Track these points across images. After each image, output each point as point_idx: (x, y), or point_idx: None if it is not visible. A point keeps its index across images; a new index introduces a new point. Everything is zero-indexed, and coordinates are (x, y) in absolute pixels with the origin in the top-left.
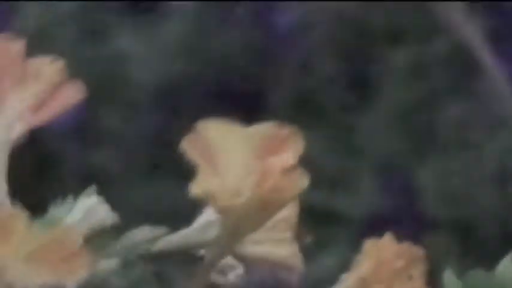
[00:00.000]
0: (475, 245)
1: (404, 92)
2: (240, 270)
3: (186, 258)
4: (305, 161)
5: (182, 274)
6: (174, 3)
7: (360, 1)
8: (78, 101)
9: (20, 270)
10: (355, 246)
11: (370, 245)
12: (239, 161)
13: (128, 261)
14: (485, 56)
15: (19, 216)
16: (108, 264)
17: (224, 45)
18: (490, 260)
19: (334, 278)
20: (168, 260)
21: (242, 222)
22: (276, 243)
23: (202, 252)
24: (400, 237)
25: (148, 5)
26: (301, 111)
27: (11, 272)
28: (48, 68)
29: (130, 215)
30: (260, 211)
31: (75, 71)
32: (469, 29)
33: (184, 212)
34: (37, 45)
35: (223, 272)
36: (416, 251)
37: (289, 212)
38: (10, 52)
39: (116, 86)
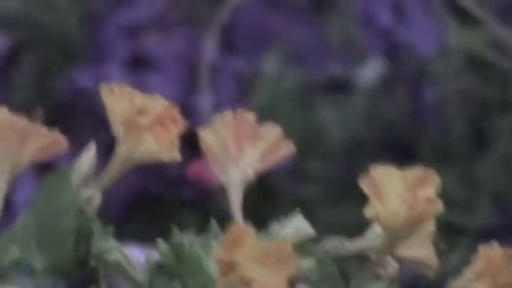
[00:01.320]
0: None
1: None
2: (395, 266)
3: (361, 259)
4: (440, 192)
5: (358, 270)
6: (359, 84)
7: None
8: (291, 153)
9: (249, 269)
10: (472, 251)
11: (483, 249)
12: (397, 193)
13: (322, 261)
14: None
15: (249, 231)
16: (308, 263)
17: (390, 112)
18: None
19: (458, 273)
20: (348, 260)
21: (398, 234)
22: (420, 248)
23: (370, 254)
24: (505, 245)
25: (342, 85)
26: (439, 158)
27: (242, 269)
28: (271, 132)
29: (324, 230)
30: (410, 227)
31: (290, 133)
32: None
33: (359, 227)
34: (264, 116)
35: (384, 267)
36: None
37: (429, 227)
38: (246, 121)
39: (317, 142)
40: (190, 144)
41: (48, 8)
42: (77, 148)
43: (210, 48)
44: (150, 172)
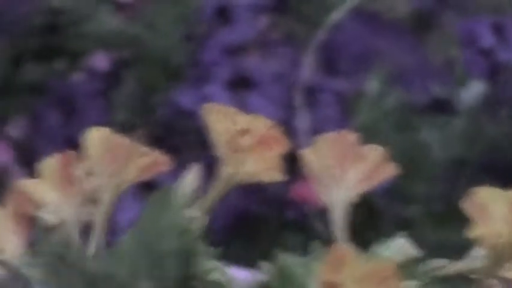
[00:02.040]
0: None
1: None
2: (500, 287)
3: (464, 280)
4: None
5: None
6: (461, 105)
7: None
8: (394, 173)
9: None
10: None
11: None
12: (500, 214)
13: (425, 282)
14: None
15: (352, 252)
16: (410, 285)
17: (493, 133)
18: None
19: None
20: (452, 282)
21: (502, 255)
22: None
23: (474, 275)
24: None
25: (444, 106)
26: None
27: None
28: (373, 152)
29: (427, 251)
30: None
31: (392, 153)
32: None
33: (463, 248)
34: (367, 136)
35: None
36: None
37: None
38: (348, 141)
39: (419, 162)
40: (291, 164)
41: (150, 27)
42: (180, 168)
43: (307, 68)
44: (252, 193)
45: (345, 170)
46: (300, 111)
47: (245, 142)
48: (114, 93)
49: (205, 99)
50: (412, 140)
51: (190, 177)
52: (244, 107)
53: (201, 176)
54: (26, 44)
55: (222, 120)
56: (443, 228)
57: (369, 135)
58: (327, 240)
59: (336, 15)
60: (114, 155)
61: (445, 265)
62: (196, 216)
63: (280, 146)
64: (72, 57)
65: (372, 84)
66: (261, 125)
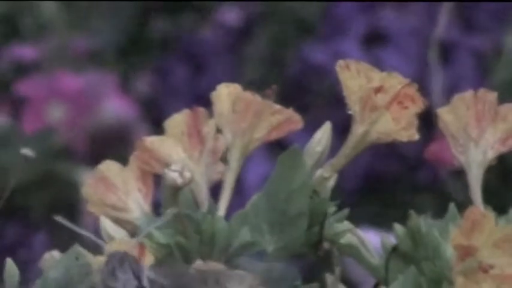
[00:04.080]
0: None
1: None
2: None
3: None
4: None
5: None
6: None
7: None
8: None
9: (487, 254)
10: None
11: None
12: None
13: None
14: None
15: (488, 215)
16: None
17: None
18: None
19: None
20: None
21: None
22: None
23: None
24: None
25: None
26: None
27: (481, 254)
28: None
29: None
30: None
31: None
32: None
33: None
34: (505, 95)
35: None
36: None
37: None
38: (486, 100)
39: None
40: (426, 124)
41: None
42: (309, 126)
43: (443, 23)
44: (386, 153)
45: (482, 130)
46: (435, 69)
47: (379, 100)
48: (245, 49)
49: (338, 55)
50: None
51: (322, 136)
52: (379, 64)
53: (333, 135)
54: None
55: (355, 77)
56: None
57: (507, 95)
58: (462, 203)
59: None
60: (244, 113)
61: None
62: (327, 176)
63: (415, 105)
64: (202, 11)
65: (510, 41)
66: (396, 82)
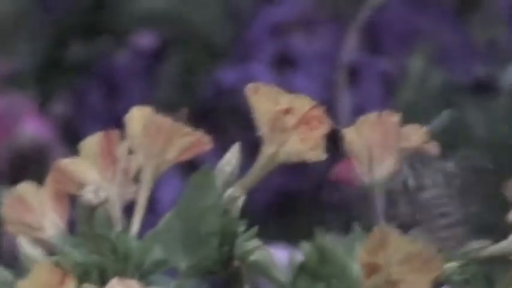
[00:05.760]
0: None
1: None
2: None
3: (504, 261)
4: None
5: (501, 272)
6: (504, 85)
7: None
8: (436, 153)
9: (393, 271)
10: None
11: None
12: None
13: (465, 263)
14: None
15: (392, 233)
16: (452, 265)
17: None
18: None
19: None
20: (492, 263)
21: None
22: None
23: None
24: None
25: (487, 86)
26: None
27: (387, 271)
28: (416, 133)
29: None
30: None
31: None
32: None
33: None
34: (409, 116)
35: None
36: None
37: None
38: (391, 122)
39: (462, 142)
40: (332, 144)
41: (194, 6)
42: (220, 147)
43: (350, 47)
44: (293, 173)
45: (386, 151)
46: (342, 91)
47: (288, 121)
48: (159, 73)
49: (249, 78)
50: (455, 120)
51: (232, 157)
52: (288, 86)
53: (242, 155)
54: (71, 22)
55: (264, 100)
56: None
57: (412, 116)
58: (368, 221)
59: None
60: (156, 135)
61: (486, 247)
62: (237, 196)
63: (322, 126)
64: (117, 36)
65: (415, 64)
66: (303, 104)
